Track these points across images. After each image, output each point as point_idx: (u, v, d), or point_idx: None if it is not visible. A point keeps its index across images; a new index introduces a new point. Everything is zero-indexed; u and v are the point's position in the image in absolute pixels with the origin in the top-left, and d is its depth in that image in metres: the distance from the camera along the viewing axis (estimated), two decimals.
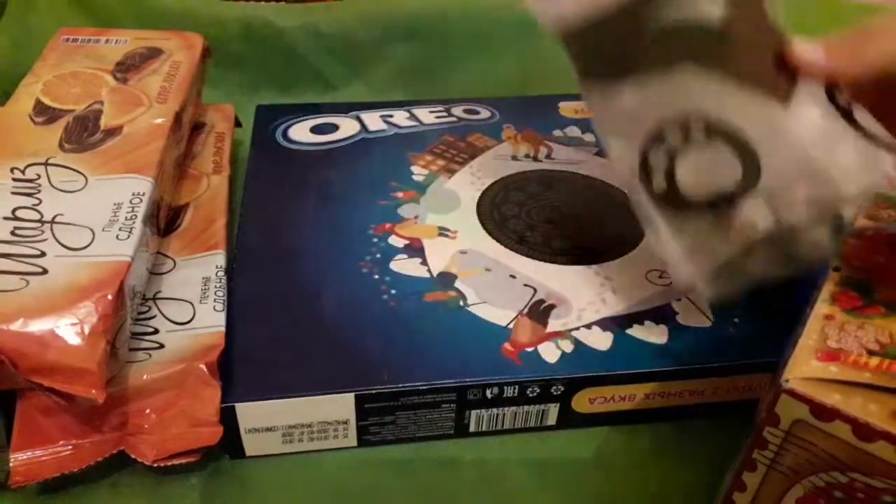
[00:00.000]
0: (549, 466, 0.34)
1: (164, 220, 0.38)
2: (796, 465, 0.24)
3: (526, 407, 0.34)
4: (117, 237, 0.31)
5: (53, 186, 0.33)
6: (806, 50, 0.31)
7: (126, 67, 0.41)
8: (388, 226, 0.41)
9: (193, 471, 0.33)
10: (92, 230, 0.31)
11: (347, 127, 0.50)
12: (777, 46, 0.33)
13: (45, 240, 0.30)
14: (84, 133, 0.36)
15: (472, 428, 0.35)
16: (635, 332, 0.36)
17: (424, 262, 0.39)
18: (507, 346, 0.34)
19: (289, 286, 0.37)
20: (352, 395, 0.32)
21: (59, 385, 0.27)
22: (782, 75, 0.32)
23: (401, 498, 0.32)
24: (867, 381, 0.22)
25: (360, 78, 0.61)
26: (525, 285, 0.38)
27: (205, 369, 0.32)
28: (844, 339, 0.23)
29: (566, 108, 0.53)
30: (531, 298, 0.37)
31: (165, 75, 0.41)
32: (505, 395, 0.33)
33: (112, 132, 0.36)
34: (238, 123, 0.50)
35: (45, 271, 0.29)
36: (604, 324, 0.36)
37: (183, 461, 0.31)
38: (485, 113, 0.52)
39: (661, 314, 0.37)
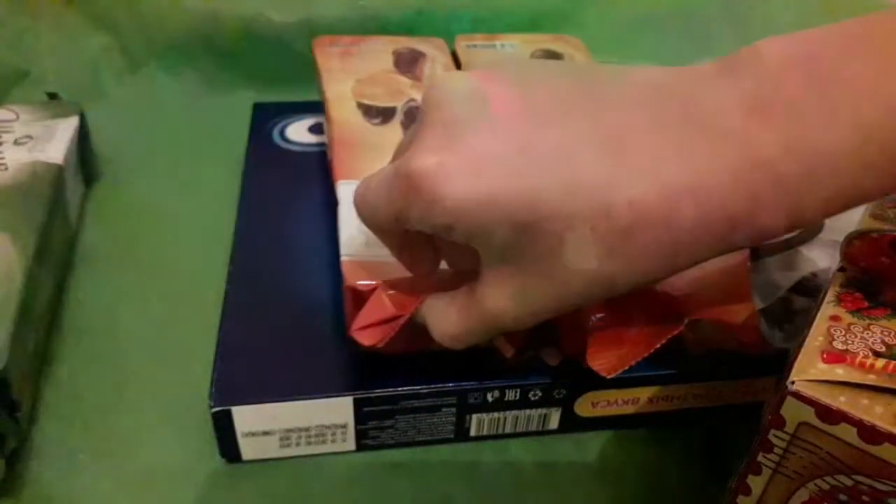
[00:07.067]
0: (551, 471, 0.34)
1: None
2: (802, 468, 0.24)
3: (528, 411, 0.34)
4: None
5: None
6: None
7: (405, 69, 0.45)
8: None
9: (188, 475, 0.32)
10: None
11: None
12: None
13: None
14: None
15: (472, 432, 0.34)
16: None
17: None
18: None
19: (286, 288, 0.37)
20: (350, 398, 0.32)
21: None
22: None
23: (400, 503, 0.32)
24: (873, 383, 0.22)
25: None
26: None
27: None
28: (850, 340, 0.23)
29: None
30: None
31: None
32: (506, 399, 0.33)
33: None
34: None
35: None
36: None
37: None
38: None
39: None
